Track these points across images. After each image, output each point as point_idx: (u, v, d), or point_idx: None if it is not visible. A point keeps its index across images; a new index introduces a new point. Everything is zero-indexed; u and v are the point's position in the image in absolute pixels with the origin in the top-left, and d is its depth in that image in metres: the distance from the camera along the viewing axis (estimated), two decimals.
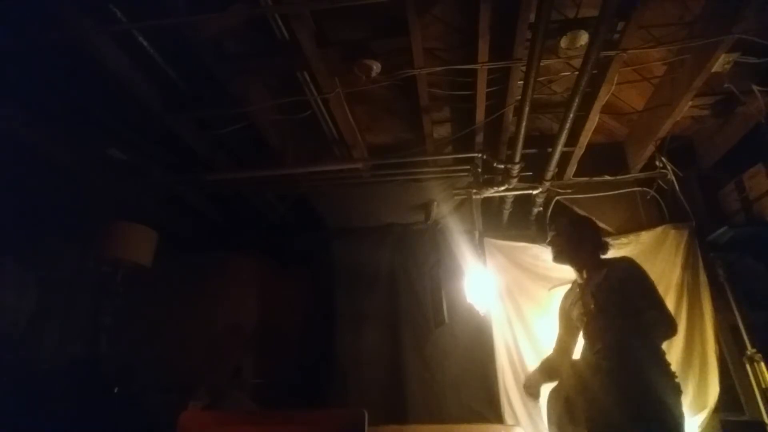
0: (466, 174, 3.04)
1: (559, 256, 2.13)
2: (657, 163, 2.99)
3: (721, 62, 2.19)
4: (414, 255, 3.60)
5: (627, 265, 1.94)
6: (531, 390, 2.20)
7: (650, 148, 2.87)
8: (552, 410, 1.99)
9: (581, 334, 2.01)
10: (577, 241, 2.07)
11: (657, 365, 1.75)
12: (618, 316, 1.78)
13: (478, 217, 3.43)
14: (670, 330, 1.78)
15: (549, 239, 2.20)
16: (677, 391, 1.72)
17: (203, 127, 2.70)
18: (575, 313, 2.01)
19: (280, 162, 2.94)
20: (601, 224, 2.80)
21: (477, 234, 3.49)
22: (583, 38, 2.14)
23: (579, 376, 1.88)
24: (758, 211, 2.75)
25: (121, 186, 3.09)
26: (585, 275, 2.02)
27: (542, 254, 3.29)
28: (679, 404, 1.70)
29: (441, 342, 3.33)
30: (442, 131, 2.97)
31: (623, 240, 3.04)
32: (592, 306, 1.88)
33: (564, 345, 2.11)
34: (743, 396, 2.72)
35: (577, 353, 2.11)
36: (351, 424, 2.28)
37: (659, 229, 3.09)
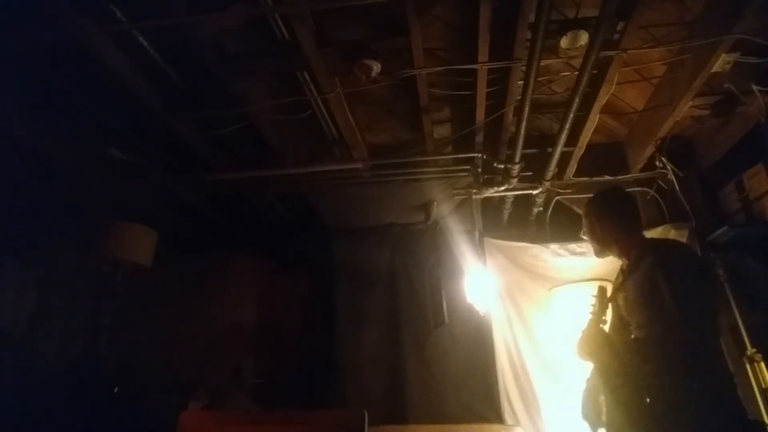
0: (466, 174, 3.04)
1: (596, 249, 1.87)
2: (657, 163, 2.98)
3: (721, 62, 2.19)
4: (414, 255, 3.60)
5: (667, 250, 1.67)
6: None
7: (650, 148, 2.87)
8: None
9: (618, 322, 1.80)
10: (598, 227, 1.82)
11: (685, 373, 1.49)
12: (653, 321, 1.57)
13: (478, 217, 3.43)
14: (700, 336, 1.50)
15: (582, 232, 1.95)
16: (729, 392, 1.51)
17: (203, 127, 2.70)
18: (620, 299, 1.79)
19: (280, 162, 2.94)
20: None
21: (477, 234, 3.50)
22: (583, 38, 2.14)
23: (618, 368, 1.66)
24: (758, 211, 2.75)
25: (121, 186, 3.09)
26: (626, 259, 1.78)
27: (542, 254, 3.29)
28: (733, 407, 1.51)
29: (441, 342, 3.33)
30: (442, 131, 2.97)
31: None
32: (627, 298, 1.70)
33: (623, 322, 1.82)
34: (743, 396, 2.72)
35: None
36: (351, 424, 2.28)
37: (659, 229, 3.08)
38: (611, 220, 1.81)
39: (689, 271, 1.58)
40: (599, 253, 1.88)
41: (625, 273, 1.79)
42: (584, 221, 1.92)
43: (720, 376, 1.52)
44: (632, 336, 1.72)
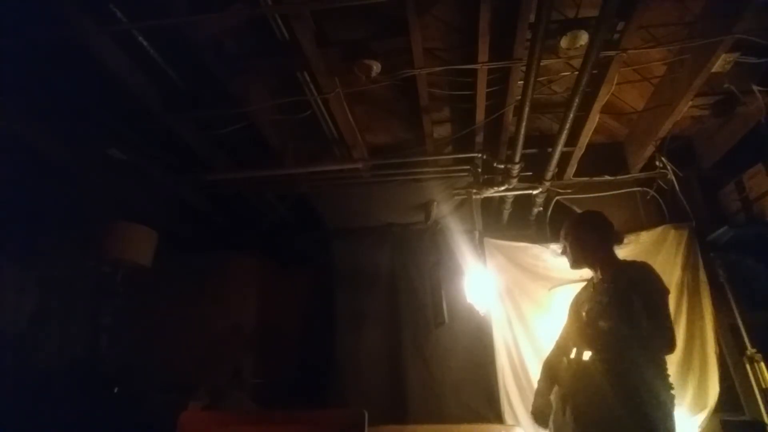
0: (466, 174, 3.04)
1: (573, 262, 2.03)
2: (657, 163, 2.99)
3: (721, 62, 2.19)
4: (414, 255, 3.60)
5: (640, 270, 1.84)
6: (540, 416, 2.00)
7: (650, 148, 2.87)
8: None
9: (582, 334, 1.95)
10: (583, 240, 1.98)
11: (653, 375, 1.70)
12: (619, 321, 1.73)
13: (478, 217, 3.43)
14: (666, 347, 1.71)
15: (561, 249, 2.12)
16: (671, 403, 1.69)
17: (203, 127, 2.70)
18: (584, 311, 1.93)
19: (280, 162, 2.94)
20: None
21: (477, 234, 3.50)
22: (583, 38, 2.14)
23: (574, 377, 1.84)
24: (758, 211, 2.75)
25: (121, 186, 3.09)
26: (599, 274, 1.94)
27: (542, 254, 3.29)
28: (671, 416, 1.67)
29: (441, 342, 3.33)
30: (442, 131, 2.97)
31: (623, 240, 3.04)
32: (598, 308, 1.82)
33: (566, 342, 2.04)
34: (743, 396, 2.72)
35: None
36: (351, 424, 2.28)
37: (659, 229, 3.09)
38: (594, 238, 1.97)
39: (660, 296, 1.77)
40: (575, 266, 2.03)
41: (596, 286, 1.94)
42: (569, 236, 2.03)
43: (667, 390, 1.71)
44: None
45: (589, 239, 1.97)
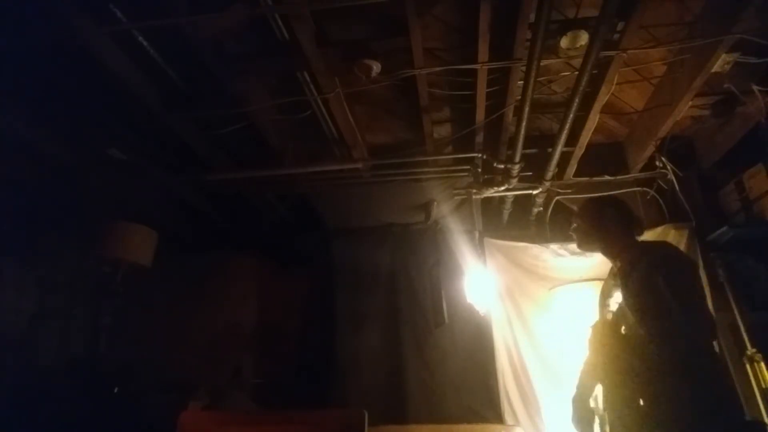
0: (466, 174, 3.04)
1: (584, 242, 1.90)
2: (657, 163, 2.99)
3: (721, 62, 2.19)
4: (414, 255, 3.60)
5: (662, 253, 1.68)
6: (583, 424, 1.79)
7: (650, 148, 2.87)
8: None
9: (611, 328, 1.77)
10: (600, 224, 1.84)
11: (687, 372, 1.50)
12: (646, 313, 1.56)
13: (478, 217, 3.43)
14: (701, 334, 1.52)
15: (572, 226, 1.95)
16: (729, 394, 1.53)
17: (203, 127, 2.70)
18: (612, 304, 1.78)
19: (280, 162, 2.94)
20: None
21: (477, 234, 3.50)
22: (583, 38, 2.14)
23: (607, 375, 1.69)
24: (758, 211, 2.75)
25: (121, 186, 3.09)
26: (619, 262, 1.79)
27: (542, 254, 3.29)
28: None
29: (441, 342, 3.33)
30: (442, 131, 2.97)
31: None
32: (623, 299, 1.67)
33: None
34: (743, 396, 2.72)
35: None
36: (351, 424, 2.29)
37: (659, 229, 3.09)
38: (612, 216, 1.83)
39: (687, 273, 1.60)
40: (584, 248, 1.92)
41: (618, 277, 1.78)
42: (582, 220, 1.90)
43: (720, 377, 1.54)
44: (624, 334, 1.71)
45: (610, 224, 1.82)
